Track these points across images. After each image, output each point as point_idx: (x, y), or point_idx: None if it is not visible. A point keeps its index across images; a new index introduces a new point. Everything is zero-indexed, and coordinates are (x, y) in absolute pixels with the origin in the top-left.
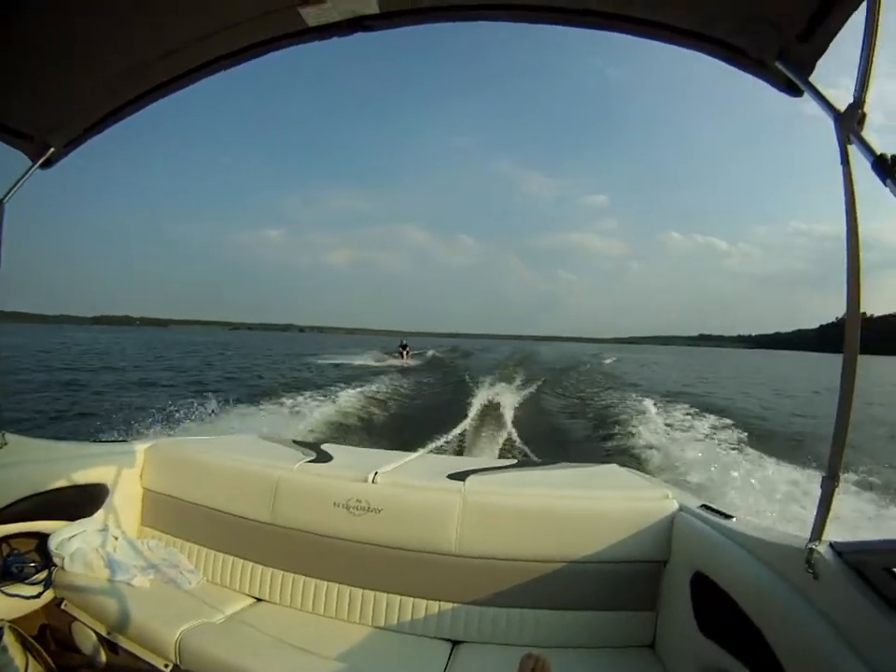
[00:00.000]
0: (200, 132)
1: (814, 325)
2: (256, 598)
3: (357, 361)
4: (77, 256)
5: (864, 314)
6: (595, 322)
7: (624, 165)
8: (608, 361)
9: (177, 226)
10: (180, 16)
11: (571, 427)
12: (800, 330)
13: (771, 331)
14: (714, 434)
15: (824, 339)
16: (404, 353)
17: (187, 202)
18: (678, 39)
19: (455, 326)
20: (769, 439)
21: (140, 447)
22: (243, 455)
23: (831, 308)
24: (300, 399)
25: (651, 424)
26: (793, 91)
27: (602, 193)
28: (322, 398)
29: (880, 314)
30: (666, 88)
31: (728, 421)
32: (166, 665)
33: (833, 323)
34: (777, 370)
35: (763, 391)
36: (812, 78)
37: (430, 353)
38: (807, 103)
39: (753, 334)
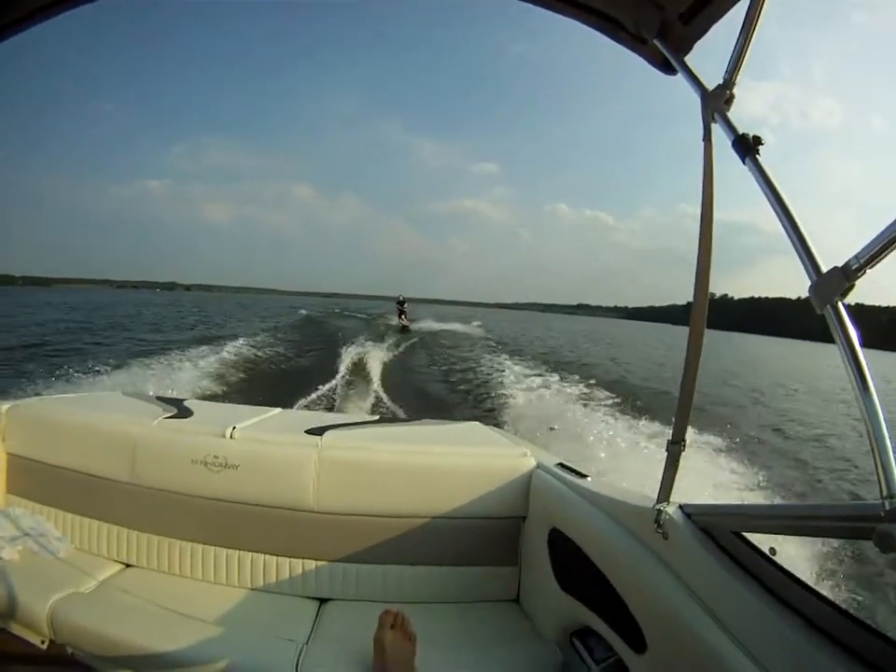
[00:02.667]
0: (75, 72)
1: (687, 301)
2: (125, 564)
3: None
4: None
5: (729, 297)
6: (480, 287)
7: (517, 138)
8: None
9: (52, 178)
10: None
11: (433, 380)
12: (673, 305)
13: (646, 305)
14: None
15: (685, 314)
16: (403, 315)
17: (62, 151)
18: (558, 7)
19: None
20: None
21: (1, 408)
22: (104, 411)
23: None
24: None
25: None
26: (668, 69)
27: (492, 162)
28: None
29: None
30: (567, 67)
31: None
32: (42, 641)
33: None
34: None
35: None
36: (688, 59)
37: (303, 312)
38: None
39: (630, 306)
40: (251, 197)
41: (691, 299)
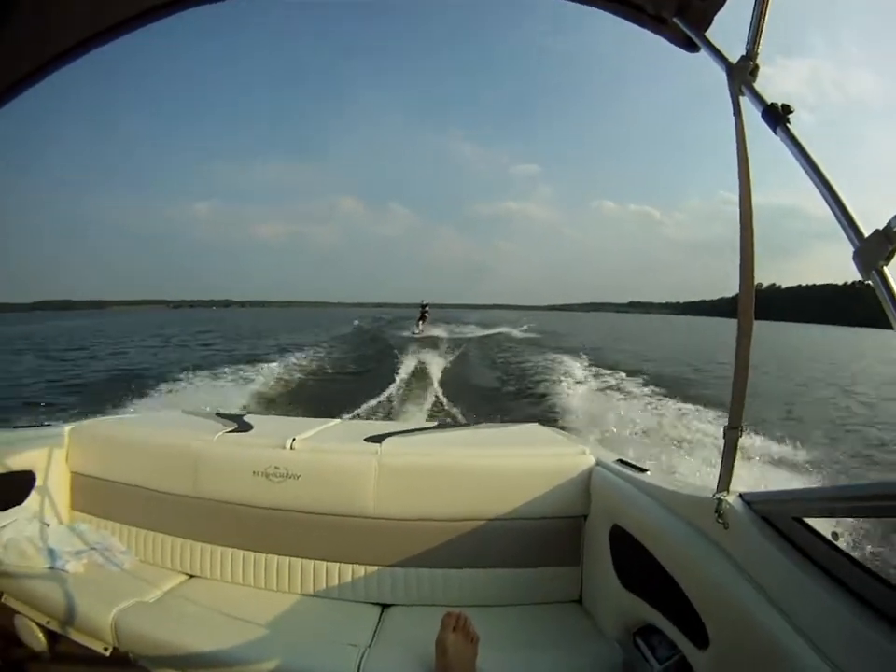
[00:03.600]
0: (122, 98)
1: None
2: (188, 575)
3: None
4: None
5: (777, 286)
6: (529, 289)
7: (556, 135)
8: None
9: (101, 201)
10: None
11: (490, 383)
12: (722, 298)
13: (697, 299)
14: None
15: (734, 306)
16: (421, 321)
17: (110, 175)
18: None
19: (389, 296)
20: None
21: (64, 429)
22: (165, 429)
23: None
24: None
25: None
26: (690, 47)
27: (533, 163)
28: None
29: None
30: (603, 59)
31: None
32: (105, 649)
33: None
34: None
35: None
36: (708, 34)
37: (356, 323)
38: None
39: (681, 301)
40: (299, 213)
41: (738, 290)
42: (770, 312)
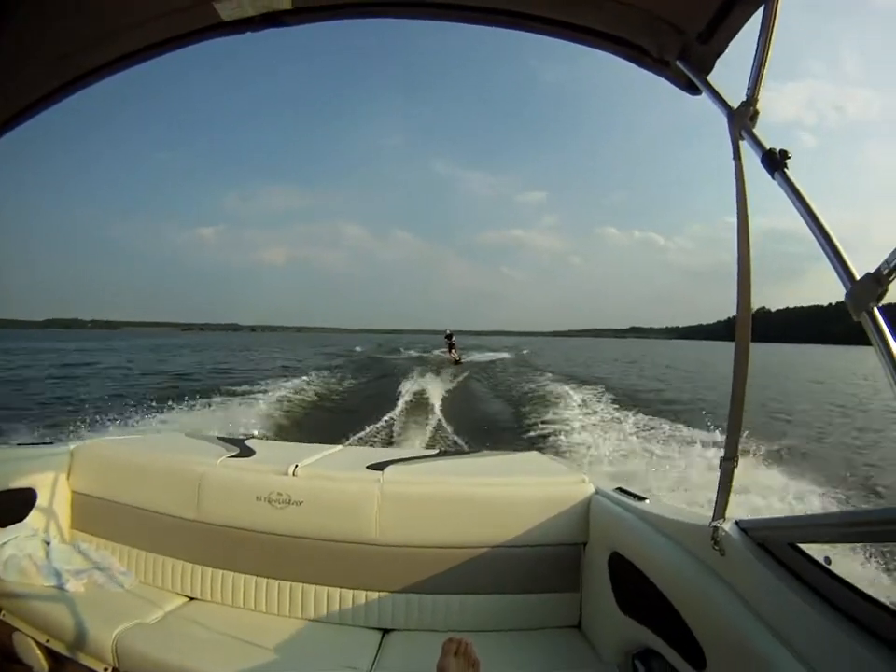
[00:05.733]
0: (129, 126)
1: (728, 317)
2: (188, 597)
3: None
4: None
5: (766, 309)
6: (534, 316)
7: (560, 164)
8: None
9: (112, 227)
10: (93, 10)
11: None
12: (718, 321)
13: (695, 323)
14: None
15: (729, 329)
16: (452, 348)
17: (120, 201)
18: (582, 38)
19: (395, 322)
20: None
21: (67, 449)
22: (167, 452)
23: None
24: None
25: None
26: (692, 89)
27: (540, 190)
28: None
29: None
30: (602, 88)
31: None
32: (105, 669)
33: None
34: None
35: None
36: (710, 77)
37: (359, 349)
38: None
39: (681, 326)
40: (305, 238)
41: (733, 314)
42: (760, 335)
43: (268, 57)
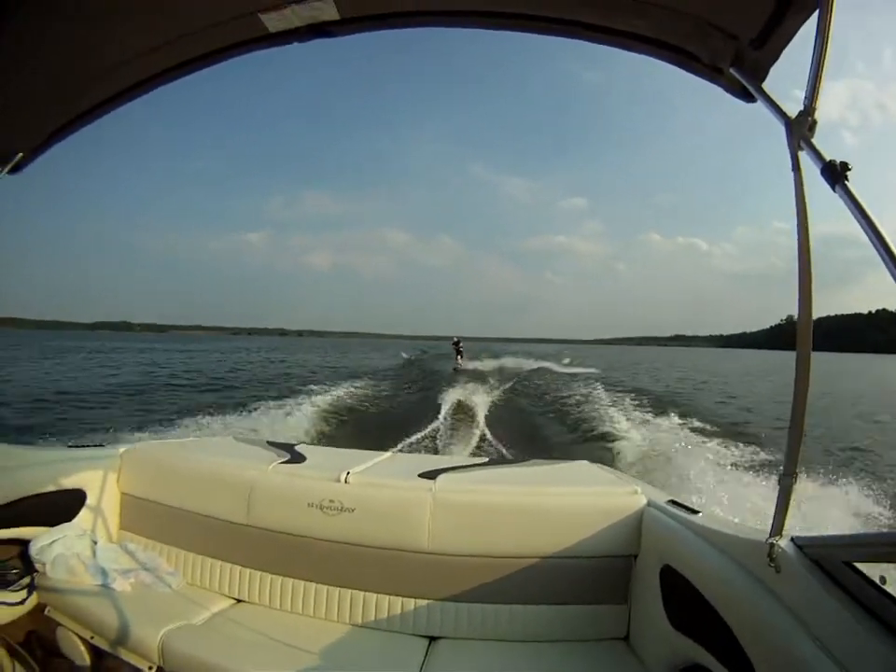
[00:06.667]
0: (167, 136)
1: (771, 325)
2: (236, 599)
3: None
4: (47, 262)
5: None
6: (577, 323)
7: (601, 169)
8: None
9: (153, 236)
10: (144, 23)
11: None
12: (762, 330)
13: (738, 331)
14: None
15: (773, 338)
16: (459, 355)
17: (160, 210)
18: (633, 46)
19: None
20: None
21: (117, 451)
22: (218, 456)
23: (786, 308)
24: None
25: None
26: (747, 97)
27: (581, 196)
28: None
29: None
30: (643, 92)
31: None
32: (150, 668)
33: (779, 324)
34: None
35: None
36: (765, 85)
37: (404, 356)
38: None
39: (724, 334)
40: (349, 244)
41: (776, 322)
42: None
43: (307, 62)
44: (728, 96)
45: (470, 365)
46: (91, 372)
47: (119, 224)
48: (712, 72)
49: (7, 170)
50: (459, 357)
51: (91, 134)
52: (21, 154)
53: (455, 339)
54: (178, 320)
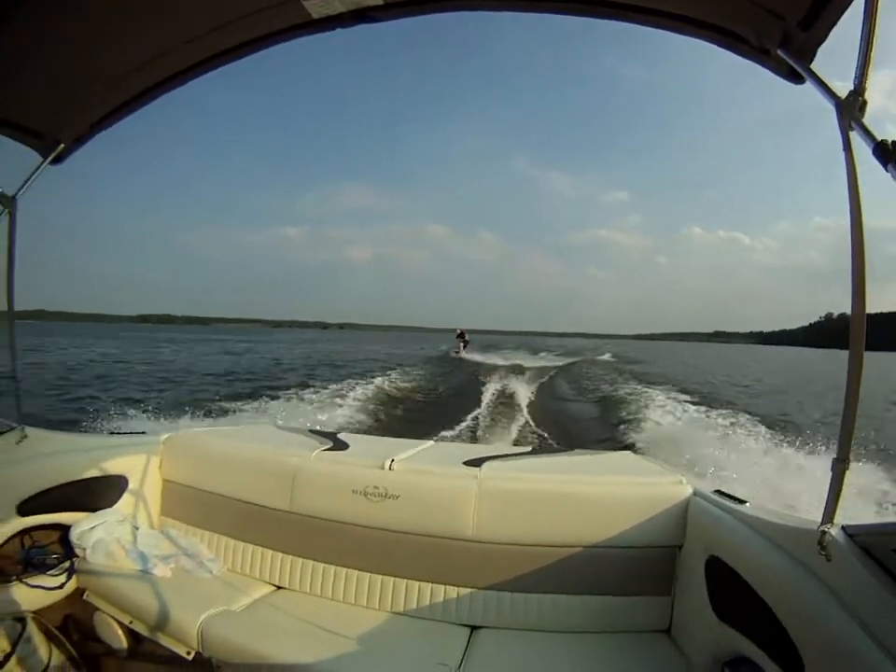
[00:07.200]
0: (205, 131)
1: (810, 322)
2: (276, 586)
3: None
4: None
5: (846, 314)
6: (616, 318)
7: (643, 162)
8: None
9: (192, 231)
10: (186, 11)
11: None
12: (801, 327)
13: (778, 328)
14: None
15: (811, 335)
16: (462, 345)
17: (200, 205)
18: (678, 27)
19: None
20: None
21: (159, 438)
22: (260, 444)
23: (825, 305)
24: None
25: None
26: (795, 78)
27: (622, 189)
28: None
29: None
30: (681, 84)
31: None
32: (188, 653)
33: (819, 321)
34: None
35: None
36: (813, 66)
37: (444, 348)
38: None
39: (764, 331)
40: (389, 238)
41: (815, 319)
42: (837, 341)
43: (348, 57)
44: (774, 81)
45: (469, 356)
46: (222, 359)
47: (158, 220)
48: (760, 53)
49: (49, 160)
50: (463, 346)
51: (133, 128)
52: (62, 145)
53: (459, 331)
54: (223, 313)
